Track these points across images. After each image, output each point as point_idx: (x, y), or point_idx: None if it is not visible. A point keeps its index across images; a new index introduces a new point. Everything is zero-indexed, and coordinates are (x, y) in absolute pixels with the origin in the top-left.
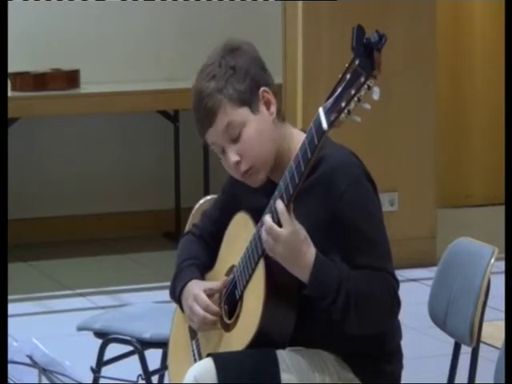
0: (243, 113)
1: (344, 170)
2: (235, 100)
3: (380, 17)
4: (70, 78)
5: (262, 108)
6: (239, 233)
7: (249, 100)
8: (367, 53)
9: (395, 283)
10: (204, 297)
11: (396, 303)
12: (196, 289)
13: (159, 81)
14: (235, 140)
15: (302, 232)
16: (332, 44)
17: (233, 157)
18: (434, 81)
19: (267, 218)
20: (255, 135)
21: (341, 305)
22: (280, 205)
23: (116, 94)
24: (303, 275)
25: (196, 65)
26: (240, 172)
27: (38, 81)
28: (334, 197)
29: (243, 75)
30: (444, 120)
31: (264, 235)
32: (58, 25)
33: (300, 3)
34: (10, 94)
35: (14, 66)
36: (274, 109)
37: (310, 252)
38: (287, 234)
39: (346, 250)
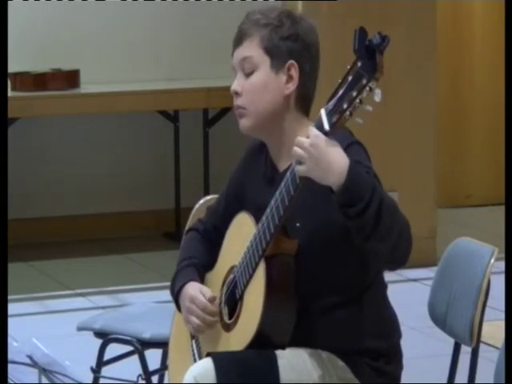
0: (263, 59)
1: (338, 141)
2: (265, 44)
3: (380, 17)
4: (70, 78)
5: (282, 76)
6: (240, 233)
7: (275, 55)
8: (369, 55)
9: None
10: (202, 298)
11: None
12: (193, 291)
13: (159, 81)
14: (246, 75)
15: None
16: (332, 44)
17: (235, 85)
18: (434, 81)
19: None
20: (260, 84)
21: (377, 204)
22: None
23: (116, 94)
24: (337, 177)
25: (196, 65)
26: (235, 103)
27: (38, 81)
28: None
29: (287, 35)
30: (444, 120)
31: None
32: (58, 25)
33: (300, 3)
34: (10, 93)
35: (13, 66)
36: (291, 87)
37: (342, 153)
38: (315, 135)
39: None
